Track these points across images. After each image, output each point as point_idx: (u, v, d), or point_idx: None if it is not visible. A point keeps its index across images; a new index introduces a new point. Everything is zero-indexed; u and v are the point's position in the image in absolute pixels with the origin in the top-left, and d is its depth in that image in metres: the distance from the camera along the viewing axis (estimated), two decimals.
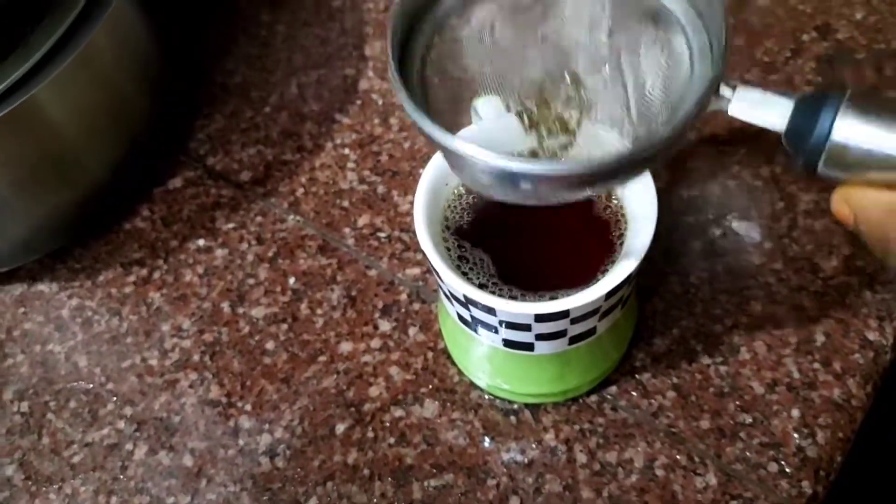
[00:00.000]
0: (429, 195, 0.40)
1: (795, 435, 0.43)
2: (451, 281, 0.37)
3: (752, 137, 0.52)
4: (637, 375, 0.45)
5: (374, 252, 0.51)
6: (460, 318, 0.41)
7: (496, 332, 0.39)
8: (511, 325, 0.38)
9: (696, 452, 0.43)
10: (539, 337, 0.39)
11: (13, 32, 0.45)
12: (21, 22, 0.45)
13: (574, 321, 0.38)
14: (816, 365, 0.44)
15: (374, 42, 0.61)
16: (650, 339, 0.46)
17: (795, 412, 0.43)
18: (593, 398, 0.45)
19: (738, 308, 0.46)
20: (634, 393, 0.45)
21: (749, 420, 0.43)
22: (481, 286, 0.39)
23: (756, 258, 0.48)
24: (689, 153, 0.52)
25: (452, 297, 0.39)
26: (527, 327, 0.38)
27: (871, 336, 0.45)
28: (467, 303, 0.38)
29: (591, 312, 0.38)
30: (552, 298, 0.37)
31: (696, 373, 0.45)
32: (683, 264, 0.48)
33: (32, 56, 0.44)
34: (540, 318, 0.37)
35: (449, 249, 0.40)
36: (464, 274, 0.39)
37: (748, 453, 0.42)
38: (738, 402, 0.44)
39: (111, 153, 0.52)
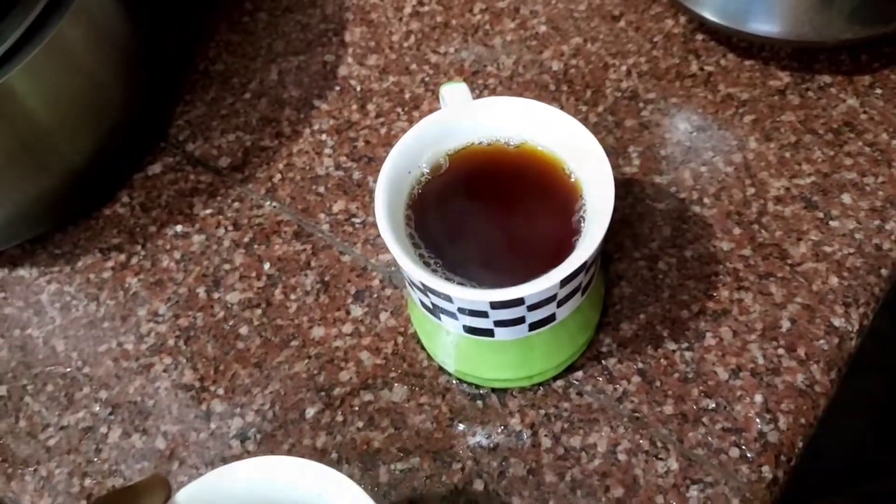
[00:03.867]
0: (391, 183, 0.41)
1: (757, 420, 0.43)
2: (409, 268, 0.38)
3: (725, 122, 0.52)
4: (603, 360, 0.45)
5: (348, 237, 0.51)
6: (423, 304, 0.41)
7: (456, 318, 0.40)
8: (469, 312, 0.39)
9: (659, 437, 0.43)
10: (498, 323, 0.39)
11: None
12: None
13: (531, 308, 0.38)
14: (781, 351, 0.45)
15: (353, 28, 0.61)
16: (617, 324, 0.46)
17: (758, 398, 0.43)
18: (559, 383, 0.45)
19: (705, 294, 0.47)
20: (600, 378, 0.45)
21: (712, 405, 0.44)
22: (441, 274, 0.39)
23: (725, 244, 0.48)
24: (662, 140, 0.52)
25: (413, 284, 0.39)
26: (484, 314, 0.38)
27: (837, 322, 0.45)
28: (426, 290, 0.38)
29: (548, 300, 0.38)
30: (511, 285, 0.38)
31: (662, 358, 0.45)
32: (652, 250, 0.48)
33: (3, 43, 0.45)
34: (495, 305, 0.37)
35: (412, 236, 0.41)
36: (422, 258, 0.39)
37: (710, 438, 0.43)
38: (701, 388, 0.44)
39: (89, 140, 0.52)
